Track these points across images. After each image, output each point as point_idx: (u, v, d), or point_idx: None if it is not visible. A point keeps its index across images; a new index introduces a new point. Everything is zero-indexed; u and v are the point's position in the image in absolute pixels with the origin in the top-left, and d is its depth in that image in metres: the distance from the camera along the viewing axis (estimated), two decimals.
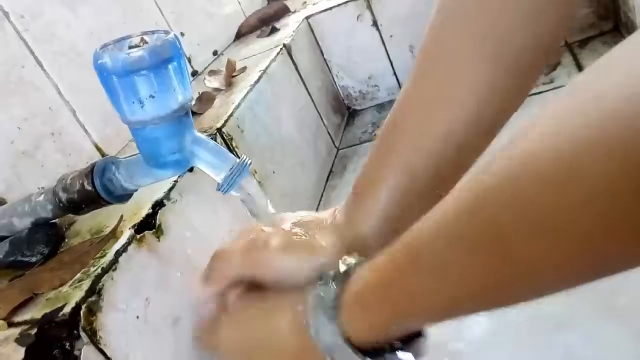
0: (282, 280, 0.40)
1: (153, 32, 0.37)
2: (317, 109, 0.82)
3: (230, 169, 0.38)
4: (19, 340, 0.36)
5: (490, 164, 0.26)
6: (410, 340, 0.35)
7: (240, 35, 0.98)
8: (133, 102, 0.35)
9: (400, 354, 0.35)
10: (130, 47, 0.36)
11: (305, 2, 1.00)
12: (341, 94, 0.95)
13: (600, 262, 0.23)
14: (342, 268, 0.36)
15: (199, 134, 0.39)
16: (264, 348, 0.40)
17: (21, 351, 0.35)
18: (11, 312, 0.39)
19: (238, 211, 0.54)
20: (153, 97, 0.35)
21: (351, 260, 0.37)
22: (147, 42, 0.36)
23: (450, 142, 0.39)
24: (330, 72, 0.94)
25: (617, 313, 0.41)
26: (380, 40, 0.89)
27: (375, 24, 0.88)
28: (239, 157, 0.40)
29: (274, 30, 0.89)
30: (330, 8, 0.89)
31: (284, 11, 0.99)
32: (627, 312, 0.41)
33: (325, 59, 0.93)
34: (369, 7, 0.86)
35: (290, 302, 0.38)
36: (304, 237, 0.40)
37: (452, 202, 0.29)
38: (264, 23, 0.96)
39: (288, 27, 0.89)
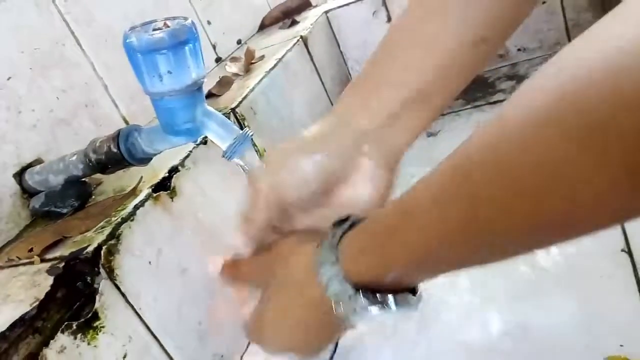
0: (301, 189, 0.41)
1: (174, 18, 0.44)
2: (329, 97, 0.88)
3: (234, 138, 0.45)
4: (49, 271, 0.43)
5: (479, 129, 0.30)
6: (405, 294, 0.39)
7: (263, 26, 1.04)
8: (154, 76, 0.42)
9: (390, 298, 0.38)
10: (154, 30, 0.42)
11: None
12: None
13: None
14: (346, 221, 0.40)
15: (209, 108, 0.46)
16: (283, 292, 0.41)
17: (50, 279, 0.42)
18: (44, 250, 0.46)
19: (244, 183, 0.60)
20: (170, 72, 0.42)
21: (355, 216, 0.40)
22: (168, 26, 0.43)
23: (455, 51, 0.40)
24: (345, 64, 0.99)
25: (566, 286, 0.46)
26: None
27: (389, 20, 0.93)
28: (243, 130, 0.46)
29: (294, 22, 0.95)
30: (348, 4, 0.95)
31: (306, 5, 1.04)
32: (575, 286, 0.46)
33: (341, 51, 0.98)
34: (384, 4, 0.92)
35: (305, 249, 0.40)
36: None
37: (444, 164, 0.33)
38: (287, 15, 1.02)
39: (307, 20, 0.94)
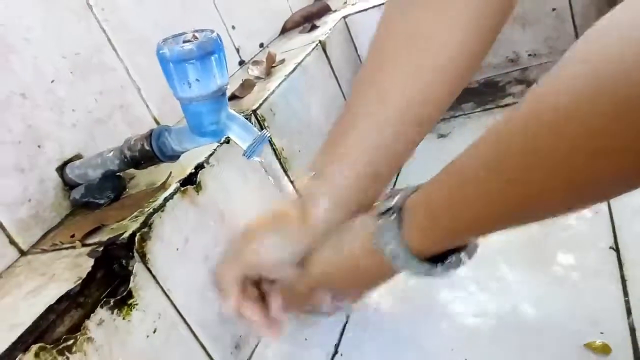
0: (271, 260, 0.48)
1: (202, 31, 0.49)
2: (345, 98, 0.93)
3: (254, 139, 0.50)
4: (89, 254, 0.48)
5: (516, 107, 0.32)
6: (463, 247, 0.42)
7: (285, 30, 1.09)
8: (183, 83, 0.47)
9: (454, 257, 0.41)
10: (184, 42, 0.47)
11: (345, 2, 1.11)
12: None
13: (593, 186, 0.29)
14: (398, 199, 0.44)
15: (231, 111, 0.51)
16: (342, 271, 0.46)
17: (91, 261, 0.47)
18: (84, 236, 0.52)
19: (262, 180, 0.65)
20: (198, 80, 0.47)
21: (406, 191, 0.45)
22: (197, 38, 0.48)
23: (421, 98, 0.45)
24: None
25: (555, 278, 0.50)
26: None
27: None
28: (262, 131, 0.51)
29: (314, 27, 1.00)
30: (366, 9, 0.99)
31: (326, 10, 1.09)
32: (564, 278, 0.50)
33: (358, 55, 1.03)
34: None
35: (359, 229, 0.45)
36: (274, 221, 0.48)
37: (485, 138, 0.36)
38: (307, 20, 1.07)
39: (326, 25, 0.99)
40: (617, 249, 0.51)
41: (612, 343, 0.43)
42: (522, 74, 0.93)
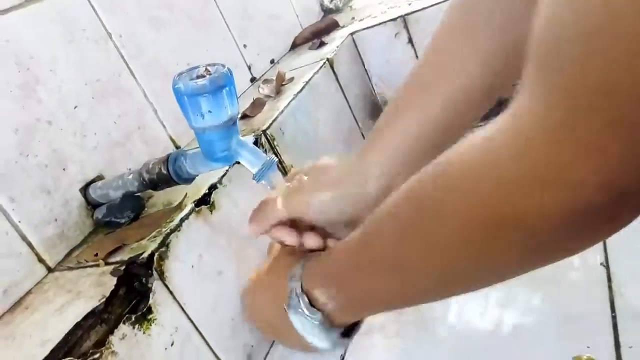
0: (318, 216, 0.51)
1: (214, 65, 0.52)
2: (353, 113, 0.96)
3: (262, 164, 0.53)
4: (112, 273, 0.52)
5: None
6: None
7: (295, 45, 1.12)
8: (197, 115, 0.51)
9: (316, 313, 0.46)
10: (198, 77, 0.51)
11: (353, 18, 1.14)
12: (379, 100, 1.08)
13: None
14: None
15: (241, 138, 0.54)
16: (270, 304, 0.52)
17: (114, 280, 0.51)
18: (107, 255, 0.56)
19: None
20: (211, 112, 0.51)
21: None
22: (210, 72, 0.52)
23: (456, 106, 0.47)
24: (370, 81, 1.07)
25: (544, 292, 0.53)
26: (414, 55, 1.01)
27: (410, 41, 1.00)
28: (270, 156, 0.54)
29: (322, 44, 1.03)
30: (372, 26, 1.02)
31: (334, 26, 1.12)
32: (553, 292, 0.53)
33: (366, 69, 1.06)
34: (406, 27, 0.99)
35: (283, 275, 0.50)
36: (329, 177, 0.51)
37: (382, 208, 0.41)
38: (316, 36, 1.10)
39: (334, 42, 1.02)
40: (607, 266, 0.54)
41: (598, 357, 0.46)
42: None
